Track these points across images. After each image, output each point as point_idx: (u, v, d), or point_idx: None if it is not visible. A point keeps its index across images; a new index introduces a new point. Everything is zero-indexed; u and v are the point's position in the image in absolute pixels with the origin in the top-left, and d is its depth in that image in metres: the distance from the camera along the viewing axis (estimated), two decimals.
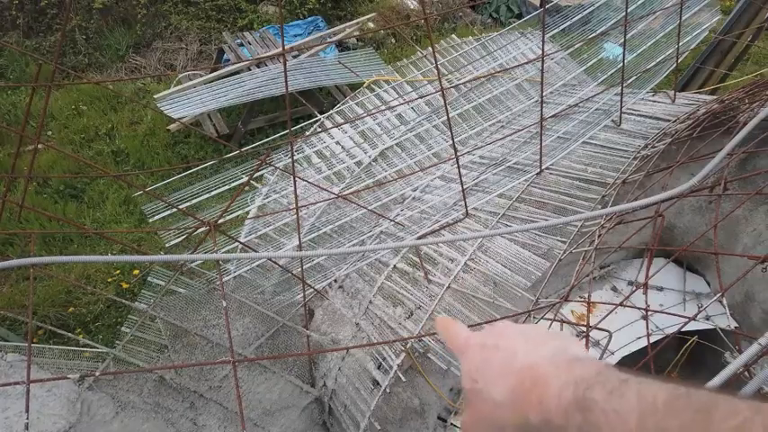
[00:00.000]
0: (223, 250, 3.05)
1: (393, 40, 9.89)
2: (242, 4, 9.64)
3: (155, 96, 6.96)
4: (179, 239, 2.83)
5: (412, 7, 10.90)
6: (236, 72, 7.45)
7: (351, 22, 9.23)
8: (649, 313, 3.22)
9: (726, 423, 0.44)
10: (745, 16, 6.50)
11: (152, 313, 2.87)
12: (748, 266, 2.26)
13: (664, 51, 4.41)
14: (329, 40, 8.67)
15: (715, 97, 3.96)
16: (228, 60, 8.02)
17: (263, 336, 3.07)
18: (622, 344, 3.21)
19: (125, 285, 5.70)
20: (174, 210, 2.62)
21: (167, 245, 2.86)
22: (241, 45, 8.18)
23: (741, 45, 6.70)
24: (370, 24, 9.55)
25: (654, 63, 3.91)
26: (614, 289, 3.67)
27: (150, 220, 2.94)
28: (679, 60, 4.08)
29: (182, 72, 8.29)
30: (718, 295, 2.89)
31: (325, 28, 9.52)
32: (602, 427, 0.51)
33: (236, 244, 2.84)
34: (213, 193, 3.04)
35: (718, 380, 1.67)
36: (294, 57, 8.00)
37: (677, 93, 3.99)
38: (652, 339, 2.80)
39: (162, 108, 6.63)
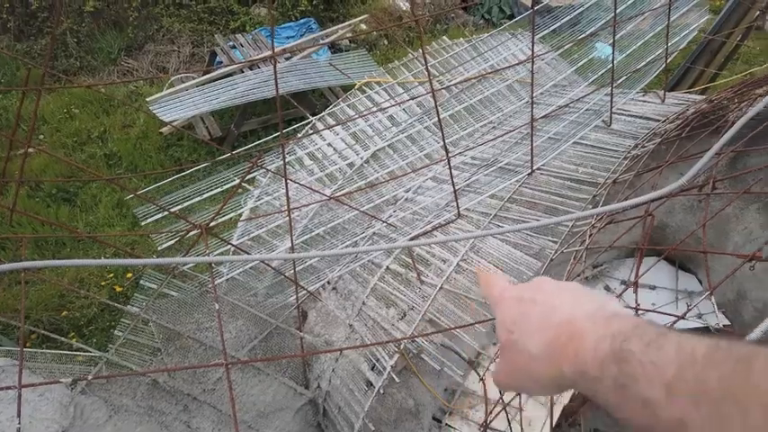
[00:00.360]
0: (215, 253, 3.05)
1: (386, 42, 9.91)
2: (234, 7, 9.64)
3: (147, 99, 6.95)
4: (171, 242, 2.83)
5: (404, 8, 10.93)
6: (229, 74, 7.44)
7: (343, 24, 9.25)
8: (641, 312, 3.25)
9: (767, 373, 0.43)
10: (735, 16, 6.56)
11: (145, 316, 2.87)
12: (738, 264, 2.28)
13: (653, 51, 4.44)
14: (321, 41, 8.68)
15: (704, 97, 3.99)
16: (221, 63, 8.01)
17: (256, 338, 3.08)
18: None
19: (118, 289, 5.69)
20: (167, 213, 2.62)
21: (159, 248, 2.86)
22: (233, 47, 8.18)
23: (731, 45, 6.75)
24: (363, 26, 9.56)
25: (643, 63, 3.94)
26: (607, 288, 3.69)
27: (142, 224, 2.93)
28: (669, 60, 4.12)
29: (174, 75, 8.28)
30: (706, 294, 2.91)
31: (317, 30, 9.52)
32: (639, 378, 0.51)
33: (229, 246, 2.84)
34: (205, 195, 3.04)
35: None
36: (287, 59, 8.00)
37: (667, 93, 4.02)
38: None
39: (154, 111, 6.62)
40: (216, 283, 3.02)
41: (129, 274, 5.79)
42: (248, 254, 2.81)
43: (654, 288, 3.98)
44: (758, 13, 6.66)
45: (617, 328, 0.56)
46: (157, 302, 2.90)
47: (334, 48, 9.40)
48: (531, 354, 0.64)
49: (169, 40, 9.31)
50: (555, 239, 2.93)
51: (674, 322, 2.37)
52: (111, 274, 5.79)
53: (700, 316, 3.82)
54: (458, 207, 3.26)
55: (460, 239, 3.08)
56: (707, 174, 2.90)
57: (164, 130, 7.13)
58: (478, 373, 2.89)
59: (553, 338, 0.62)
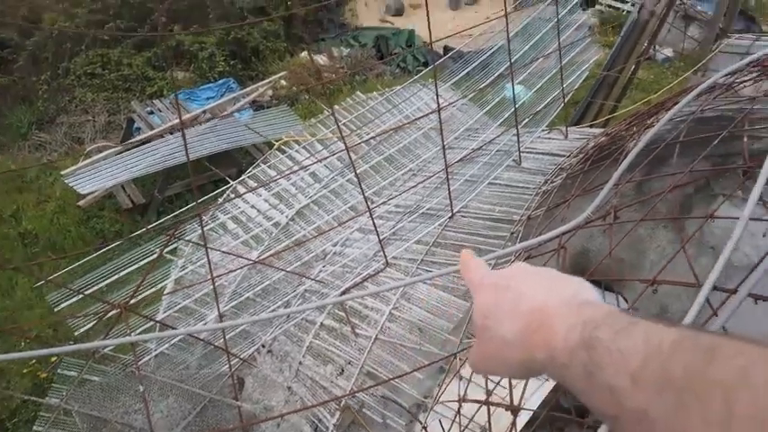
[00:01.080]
0: (140, 330, 2.93)
1: (306, 96, 10.08)
2: (149, 72, 9.56)
3: (62, 173, 6.70)
4: (89, 326, 2.70)
5: (322, 63, 11.20)
6: (149, 140, 7.32)
7: (263, 82, 9.35)
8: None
9: (730, 362, 0.43)
10: (625, 50, 7.16)
11: (66, 407, 2.70)
12: (643, 289, 2.42)
13: (554, 90, 4.76)
14: (243, 100, 8.72)
15: (603, 130, 4.29)
16: (139, 129, 7.88)
17: (190, 414, 2.95)
18: None
19: (42, 375, 5.32)
20: (82, 296, 2.51)
21: (77, 333, 2.73)
22: (151, 113, 8.08)
23: (625, 77, 7.34)
24: (283, 82, 9.71)
25: (543, 104, 4.21)
26: None
27: (56, 309, 2.79)
28: (569, 96, 4.42)
29: (90, 145, 8.05)
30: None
31: (237, 89, 9.58)
32: (606, 365, 0.51)
33: (151, 324, 2.75)
34: (123, 273, 2.95)
35: None
36: (208, 119, 7.98)
37: (570, 128, 4.30)
38: None
39: (71, 184, 6.39)
40: (143, 361, 2.90)
41: (52, 360, 5.43)
42: (174, 328, 2.72)
43: None
44: (644, 45, 7.31)
45: (589, 315, 0.57)
46: (79, 390, 2.75)
47: (257, 105, 9.47)
48: (504, 339, 0.65)
49: (83, 111, 9.08)
50: None
51: None
52: (34, 360, 5.41)
53: None
54: (385, 256, 3.31)
55: (390, 289, 3.12)
56: (610, 203, 3.09)
57: (82, 202, 6.87)
58: (420, 422, 2.88)
59: (524, 326, 0.63)
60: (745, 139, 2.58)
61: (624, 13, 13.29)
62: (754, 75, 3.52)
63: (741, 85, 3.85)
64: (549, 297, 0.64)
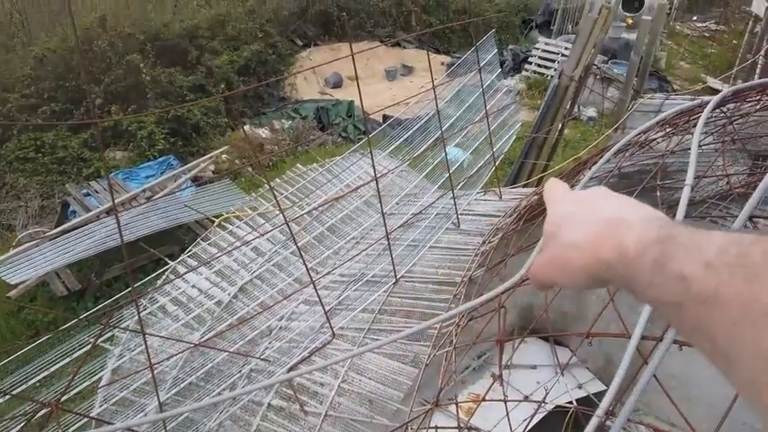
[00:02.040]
0: (74, 428, 2.75)
1: (250, 169, 10.12)
2: (85, 154, 9.40)
3: None
4: (16, 428, 2.51)
5: (264, 136, 11.34)
6: (86, 223, 7.11)
7: (204, 157, 9.35)
8: (531, 394, 3.39)
9: None
10: (551, 112, 7.63)
11: None
12: (580, 342, 2.50)
13: (488, 152, 4.98)
14: (183, 177, 8.67)
15: (533, 189, 4.50)
16: (75, 212, 7.65)
17: None
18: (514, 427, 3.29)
19: None
20: (8, 396, 2.35)
21: None
22: (88, 195, 7.89)
23: (552, 137, 7.78)
24: (224, 157, 9.74)
25: (476, 168, 4.40)
26: (493, 375, 3.82)
27: None
28: (502, 157, 4.64)
29: (22, 232, 7.73)
30: (558, 375, 3.13)
31: (178, 166, 9.52)
32: (679, 257, 0.51)
33: (86, 420, 2.58)
34: (54, 367, 2.79)
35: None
36: (147, 198, 7.85)
37: (504, 189, 4.49)
38: (539, 417, 2.91)
39: (0, 275, 6.07)
40: None
41: None
42: (111, 423, 2.57)
43: (535, 367, 4.18)
44: (568, 106, 7.82)
45: (666, 221, 0.59)
46: None
47: (198, 181, 9.41)
48: (573, 243, 0.66)
49: (14, 197, 8.75)
50: (427, 344, 3.03)
51: (537, 408, 2.50)
52: None
53: (580, 386, 4.05)
54: (331, 327, 3.28)
55: (338, 361, 3.07)
56: None
57: (12, 293, 6.51)
58: None
59: (599, 230, 0.63)
60: (658, 194, 2.78)
61: (548, 78, 14.25)
62: (664, 132, 3.82)
63: (655, 142, 4.16)
64: (628, 212, 0.65)
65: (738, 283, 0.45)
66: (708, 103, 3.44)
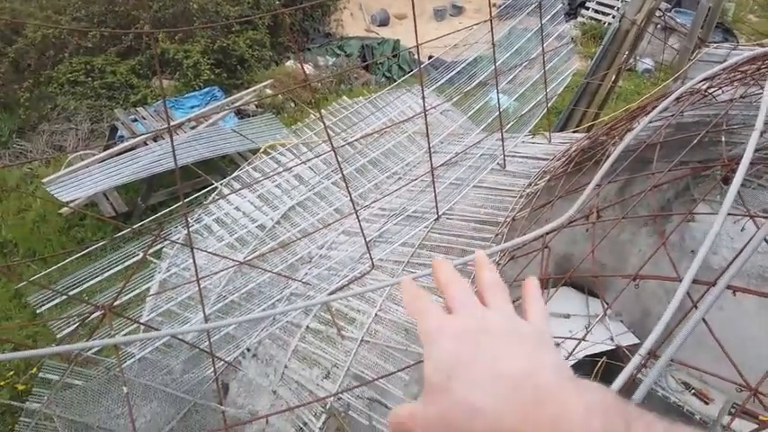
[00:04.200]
0: (123, 333, 2.90)
1: (292, 105, 10.09)
2: (133, 81, 9.50)
3: (43, 181, 6.62)
4: (71, 328, 2.66)
5: (308, 72, 11.22)
6: (132, 148, 7.27)
7: (248, 90, 9.34)
8: (561, 341, 3.39)
9: None
10: (607, 58, 7.28)
11: (46, 411, 2.65)
12: (625, 285, 2.46)
13: (536, 97, 4.83)
14: (227, 108, 8.71)
15: (584, 135, 4.36)
16: (123, 137, 7.81)
17: (173, 419, 2.91)
18: None
19: (21, 387, 5.20)
20: (65, 297, 2.48)
21: (58, 335, 2.68)
22: (135, 121, 8.02)
23: (606, 86, 7.46)
24: (268, 91, 9.71)
25: (527, 109, 4.27)
26: None
27: (38, 311, 2.75)
28: (551, 103, 4.49)
29: (72, 153, 7.96)
30: (599, 317, 3.10)
31: (222, 97, 9.56)
32: None
33: (136, 325, 2.72)
34: (107, 274, 2.91)
35: (615, 386, 1.78)
36: (192, 128, 7.94)
37: (553, 133, 4.36)
38: (569, 364, 2.93)
39: (52, 192, 6.30)
40: (125, 365, 2.86)
41: (34, 369, 5.32)
42: (158, 330, 2.69)
43: (568, 316, 4.17)
44: (625, 54, 7.45)
45: (597, 399, 0.50)
46: (61, 394, 2.70)
47: (242, 114, 9.45)
48: (474, 407, 0.51)
49: (65, 119, 8.98)
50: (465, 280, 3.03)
51: (578, 344, 2.50)
52: (12, 372, 5.30)
53: (612, 338, 4.04)
54: (371, 258, 3.32)
55: (376, 289, 3.12)
56: (593, 204, 3.13)
57: (63, 210, 6.78)
58: None
59: (511, 394, 0.51)
60: (723, 139, 2.64)
61: (605, 25, 13.54)
62: (731, 79, 3.60)
63: (719, 91, 3.94)
64: (535, 364, 0.53)
65: None
66: None
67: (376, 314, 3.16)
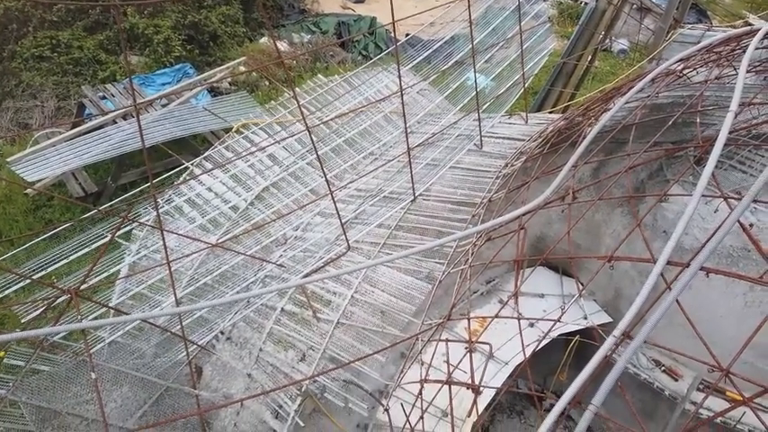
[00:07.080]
0: (91, 317, 2.82)
1: (267, 83, 9.89)
2: (101, 56, 9.19)
3: (8, 159, 6.38)
4: (37, 312, 2.58)
5: (282, 49, 11.00)
6: (101, 126, 7.05)
7: (221, 67, 9.12)
8: (534, 321, 3.40)
9: None
10: (582, 41, 7.28)
11: (12, 398, 2.57)
12: (600, 266, 2.47)
13: (513, 76, 4.80)
14: (199, 86, 8.49)
15: (560, 115, 4.35)
16: (90, 115, 7.57)
17: (145, 403, 2.86)
18: (516, 352, 3.34)
19: None
20: (29, 281, 2.39)
21: (24, 320, 2.60)
22: (104, 98, 7.78)
23: (582, 66, 7.47)
24: (242, 68, 9.49)
25: (503, 89, 4.24)
26: (500, 301, 3.85)
27: (3, 295, 2.65)
28: (528, 83, 4.46)
29: (39, 131, 7.69)
30: (574, 298, 3.13)
31: (194, 74, 9.31)
32: None
33: (105, 309, 2.64)
34: (74, 256, 2.82)
35: (587, 370, 1.78)
36: (163, 105, 7.73)
37: (530, 114, 4.34)
38: (541, 344, 2.95)
39: (17, 171, 6.09)
40: (95, 349, 2.79)
41: (2, 353, 5.19)
42: (127, 314, 2.63)
43: (543, 296, 4.20)
44: (600, 35, 7.45)
45: None
46: (27, 380, 2.62)
47: (215, 91, 9.23)
48: None
49: (30, 95, 8.66)
50: (442, 261, 3.02)
51: (553, 325, 2.51)
52: None
53: (585, 317, 4.08)
54: (347, 240, 3.28)
55: (352, 271, 3.09)
56: (568, 185, 3.13)
57: (29, 191, 6.56)
58: (382, 404, 2.87)
59: None
60: (698, 120, 2.65)
61: (582, 5, 13.53)
62: (705, 60, 3.61)
63: (694, 72, 3.95)
64: None
65: None
66: (759, 30, 3.22)
67: (352, 296, 3.13)
